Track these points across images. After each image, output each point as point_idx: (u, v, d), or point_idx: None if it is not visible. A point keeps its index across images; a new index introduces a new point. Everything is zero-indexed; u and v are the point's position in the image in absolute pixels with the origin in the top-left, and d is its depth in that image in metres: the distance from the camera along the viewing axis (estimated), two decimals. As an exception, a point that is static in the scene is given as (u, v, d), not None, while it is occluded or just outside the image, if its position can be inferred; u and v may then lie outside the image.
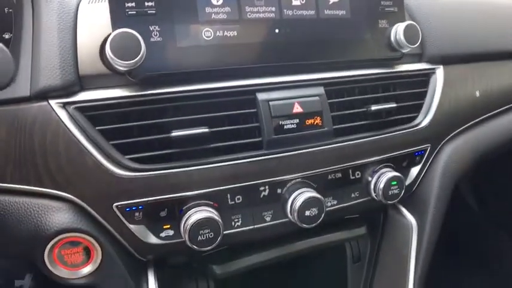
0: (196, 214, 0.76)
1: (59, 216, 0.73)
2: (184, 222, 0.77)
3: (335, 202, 0.91)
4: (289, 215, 0.85)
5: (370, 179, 0.94)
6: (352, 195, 0.93)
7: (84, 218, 0.74)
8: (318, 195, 0.84)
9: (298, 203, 0.83)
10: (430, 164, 1.04)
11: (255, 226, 0.84)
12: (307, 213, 0.83)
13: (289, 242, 0.96)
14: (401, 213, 1.06)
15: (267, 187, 0.83)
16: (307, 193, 0.84)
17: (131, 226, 0.76)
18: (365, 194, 0.94)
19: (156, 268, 0.84)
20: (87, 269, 0.75)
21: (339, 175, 0.90)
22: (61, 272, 0.74)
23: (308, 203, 0.83)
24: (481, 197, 1.71)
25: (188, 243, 0.76)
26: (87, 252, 0.75)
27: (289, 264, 1.14)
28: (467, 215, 1.72)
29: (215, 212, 0.78)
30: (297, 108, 0.83)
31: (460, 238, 1.65)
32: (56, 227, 0.72)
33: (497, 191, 1.65)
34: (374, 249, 1.10)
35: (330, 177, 0.89)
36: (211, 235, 0.77)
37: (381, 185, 0.93)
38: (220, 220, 0.77)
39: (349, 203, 0.93)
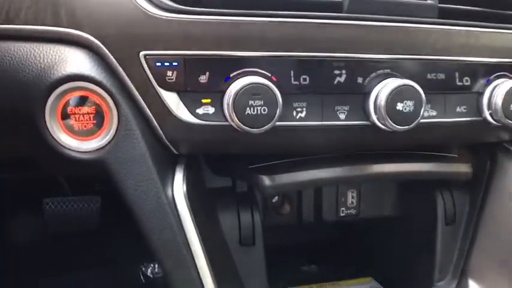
0: (247, 79, 0.58)
1: (69, 60, 0.56)
2: (230, 91, 0.57)
3: (434, 113, 0.67)
4: (372, 114, 0.62)
5: (482, 90, 0.69)
6: (458, 109, 0.69)
7: (100, 67, 0.56)
8: (414, 84, 0.62)
9: (386, 92, 0.60)
10: None
11: (324, 123, 0.63)
12: (400, 106, 0.60)
13: (364, 162, 0.71)
14: (518, 158, 0.80)
15: (343, 71, 0.62)
16: (399, 80, 0.62)
17: (160, 90, 0.57)
18: (474, 112, 0.69)
19: (187, 167, 0.64)
20: (98, 141, 0.56)
21: (441, 76, 0.67)
22: (65, 139, 0.56)
23: (401, 92, 0.60)
24: None
25: (232, 116, 0.56)
26: (100, 120, 0.58)
27: (362, 223, 0.90)
28: None
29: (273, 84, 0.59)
30: (392, -34, 0.63)
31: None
32: (63, 70, 0.55)
33: None
34: (475, 207, 0.81)
35: (429, 76, 0.66)
36: (264, 110, 0.56)
37: (498, 99, 0.68)
38: (278, 92, 0.58)
39: (452, 119, 0.68)
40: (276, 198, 0.94)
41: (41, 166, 0.85)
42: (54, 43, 0.58)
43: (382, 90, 0.61)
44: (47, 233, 1.14)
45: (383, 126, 0.63)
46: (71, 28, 0.57)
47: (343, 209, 0.91)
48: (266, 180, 0.67)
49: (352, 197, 0.93)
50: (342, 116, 0.64)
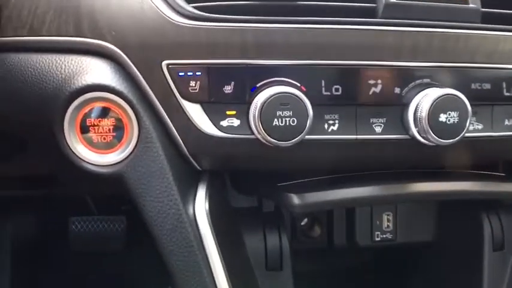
0: (274, 89, 0.54)
1: (90, 70, 0.54)
2: (257, 102, 0.54)
3: (479, 127, 0.61)
4: (411, 127, 0.57)
5: (533, 101, 0.64)
6: (506, 122, 0.62)
7: (122, 77, 0.54)
8: (459, 93, 0.56)
9: (428, 102, 0.55)
10: None
11: (358, 136, 0.58)
12: (443, 118, 0.55)
13: (402, 180, 0.65)
14: None
15: (379, 81, 0.57)
16: (441, 90, 0.56)
17: (184, 102, 0.54)
18: None
19: (210, 184, 0.60)
20: (117, 155, 0.54)
21: (487, 86, 0.61)
22: (83, 152, 0.53)
23: (444, 102, 0.54)
24: None
25: (258, 128, 0.52)
26: (120, 133, 0.54)
27: (398, 249, 0.83)
28: None
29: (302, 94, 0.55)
30: (429, -33, 0.58)
31: None
32: (84, 80, 0.53)
33: None
34: None
35: (473, 86, 0.61)
36: (292, 121, 0.52)
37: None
38: (308, 102, 0.53)
39: (500, 133, 0.62)
40: (305, 220, 0.89)
41: (60, 183, 0.83)
42: (76, 54, 0.56)
43: (423, 100, 0.56)
44: (71, 252, 1.14)
45: (424, 140, 0.58)
46: (93, 38, 0.55)
47: (378, 233, 0.84)
48: (295, 199, 0.62)
49: (388, 220, 0.86)
50: (378, 130, 0.59)
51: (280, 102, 0.52)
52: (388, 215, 0.86)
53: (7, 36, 0.59)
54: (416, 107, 0.57)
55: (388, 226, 0.86)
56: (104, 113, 0.54)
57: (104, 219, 1.12)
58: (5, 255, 1.05)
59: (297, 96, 0.53)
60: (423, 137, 0.57)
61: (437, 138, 0.55)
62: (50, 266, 1.12)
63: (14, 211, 1.04)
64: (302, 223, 0.88)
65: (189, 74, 0.54)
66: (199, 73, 0.54)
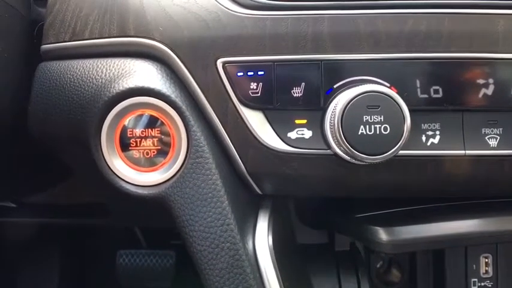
0: (359, 88, 0.43)
1: (133, 73, 0.45)
2: (335, 105, 0.43)
3: None
4: None
5: None
6: None
7: (169, 80, 0.45)
8: None
9: None
10: None
11: (468, 152, 0.45)
12: None
13: None
14: None
15: (490, 80, 0.45)
16: None
17: (242, 109, 0.45)
18: None
19: (274, 213, 0.49)
20: (162, 173, 0.44)
21: None
22: (122, 170, 0.44)
23: None
24: None
25: (339, 138, 0.41)
26: (166, 146, 0.45)
27: None
28: None
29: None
30: None
31: None
32: (125, 84, 0.44)
33: None
34: None
35: None
36: (384, 129, 0.41)
37: None
38: (404, 104, 0.42)
39: None
40: (380, 262, 0.76)
41: (107, 212, 0.77)
42: (118, 57, 0.49)
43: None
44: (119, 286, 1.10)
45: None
46: (138, 37, 0.48)
47: (475, 280, 0.69)
48: (383, 235, 0.49)
49: (487, 264, 0.71)
50: (493, 143, 0.46)
51: (367, 104, 0.41)
52: (486, 257, 0.71)
53: (49, 44, 0.54)
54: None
55: (486, 271, 0.71)
56: (148, 122, 0.45)
57: (152, 254, 1.08)
58: (51, 284, 1.04)
59: (389, 96, 0.41)
60: (559, 152, 0.44)
61: None
62: None
63: (63, 240, 1.03)
64: (377, 265, 0.75)
65: (249, 73, 0.45)
66: (262, 72, 0.45)
